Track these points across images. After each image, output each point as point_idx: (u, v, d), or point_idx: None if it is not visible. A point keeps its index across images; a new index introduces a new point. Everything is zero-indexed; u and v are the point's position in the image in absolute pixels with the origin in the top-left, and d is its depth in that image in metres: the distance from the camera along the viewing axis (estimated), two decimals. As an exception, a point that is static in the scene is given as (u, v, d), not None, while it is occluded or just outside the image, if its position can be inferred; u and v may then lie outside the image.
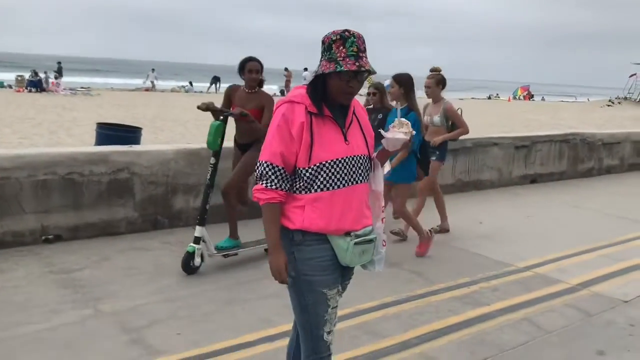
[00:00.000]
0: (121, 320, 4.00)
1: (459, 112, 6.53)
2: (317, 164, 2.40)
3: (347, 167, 2.45)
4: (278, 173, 2.42)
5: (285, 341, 2.95)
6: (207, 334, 3.86)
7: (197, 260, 4.87)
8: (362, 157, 2.52)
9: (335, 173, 2.42)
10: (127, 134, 8.06)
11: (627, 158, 12.12)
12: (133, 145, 6.64)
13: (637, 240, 6.65)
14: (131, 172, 5.96)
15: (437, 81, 6.36)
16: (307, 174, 2.42)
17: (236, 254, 5.24)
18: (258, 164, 2.46)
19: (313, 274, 2.47)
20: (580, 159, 11.05)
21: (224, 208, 5.37)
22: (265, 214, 2.47)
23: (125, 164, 5.92)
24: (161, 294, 4.49)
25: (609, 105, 41.58)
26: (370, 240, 2.55)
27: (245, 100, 5.18)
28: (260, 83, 5.27)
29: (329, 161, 2.41)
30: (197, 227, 4.90)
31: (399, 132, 2.58)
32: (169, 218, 6.24)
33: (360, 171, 2.51)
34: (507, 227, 6.99)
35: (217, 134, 4.89)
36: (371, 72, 2.42)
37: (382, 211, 2.68)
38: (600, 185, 10.39)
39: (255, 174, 2.48)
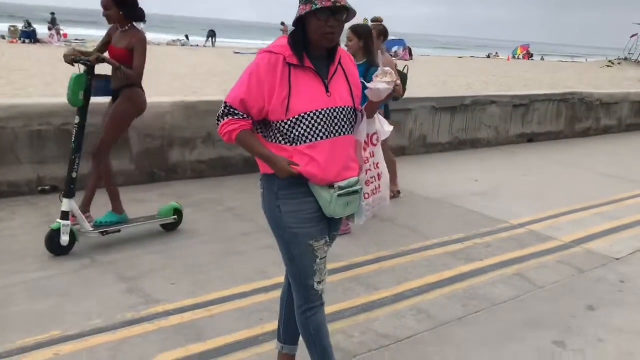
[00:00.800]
0: (117, 270, 4.04)
1: (404, 70, 6.22)
2: (296, 116, 2.36)
3: (328, 118, 2.41)
4: (238, 112, 2.40)
5: (280, 291, 2.98)
6: (202, 284, 3.91)
7: (65, 239, 4.15)
8: (345, 109, 2.47)
9: (315, 125, 2.38)
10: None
11: (624, 118, 12.10)
12: (129, 97, 6.57)
13: (631, 199, 6.70)
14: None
15: (378, 32, 5.87)
16: (286, 127, 2.38)
17: (118, 231, 4.52)
18: (222, 104, 2.43)
19: (298, 226, 2.47)
20: (578, 118, 11.03)
21: (102, 176, 4.61)
22: (245, 139, 2.43)
23: (120, 115, 5.87)
24: (157, 245, 4.52)
25: (608, 66, 41.25)
26: (355, 192, 2.53)
27: (117, 40, 4.51)
28: (132, 15, 4.46)
29: (308, 113, 2.37)
30: (64, 200, 4.19)
31: (381, 81, 2.50)
32: (165, 171, 6.24)
33: (342, 123, 2.46)
34: (502, 185, 7.03)
35: (78, 86, 4.17)
36: (348, 9, 2.36)
37: (366, 162, 2.66)
38: (597, 145, 10.39)
39: (217, 114, 2.45)
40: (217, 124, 2.46)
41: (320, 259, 2.53)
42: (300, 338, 2.73)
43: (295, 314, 2.66)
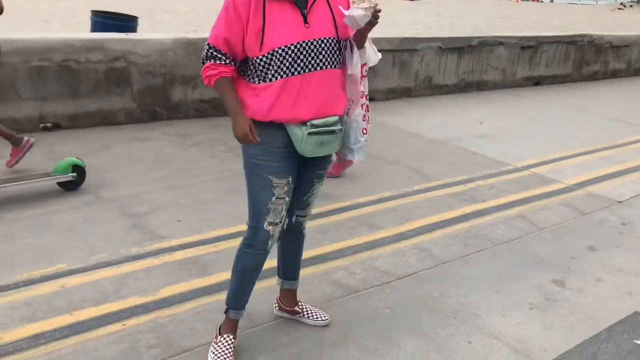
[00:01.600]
0: (122, 207, 4.06)
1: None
2: (270, 52, 2.24)
3: (305, 52, 2.26)
4: (221, 55, 2.29)
5: (284, 228, 2.99)
6: (207, 221, 3.93)
7: None
8: (326, 41, 2.30)
9: (289, 59, 2.24)
10: (123, 22, 7.80)
11: (634, 62, 11.89)
12: (130, 34, 6.45)
13: (636, 144, 6.66)
14: (128, 61, 5.83)
15: None
16: (261, 62, 2.26)
17: None
18: (205, 45, 2.33)
19: (261, 158, 2.40)
20: (586, 61, 10.84)
21: None
22: (221, 87, 2.34)
23: (122, 52, 5.78)
24: (162, 183, 4.52)
25: (620, 9, 40.33)
26: (332, 132, 2.37)
27: None
28: None
29: (283, 47, 2.23)
30: None
31: (358, 7, 2.29)
32: (167, 109, 6.19)
33: (322, 56, 2.29)
34: (507, 128, 6.97)
35: None
36: None
37: (362, 97, 2.52)
38: (604, 89, 10.26)
39: (202, 56, 2.36)
40: (202, 66, 2.37)
41: (276, 197, 2.43)
42: (301, 273, 2.75)
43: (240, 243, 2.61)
